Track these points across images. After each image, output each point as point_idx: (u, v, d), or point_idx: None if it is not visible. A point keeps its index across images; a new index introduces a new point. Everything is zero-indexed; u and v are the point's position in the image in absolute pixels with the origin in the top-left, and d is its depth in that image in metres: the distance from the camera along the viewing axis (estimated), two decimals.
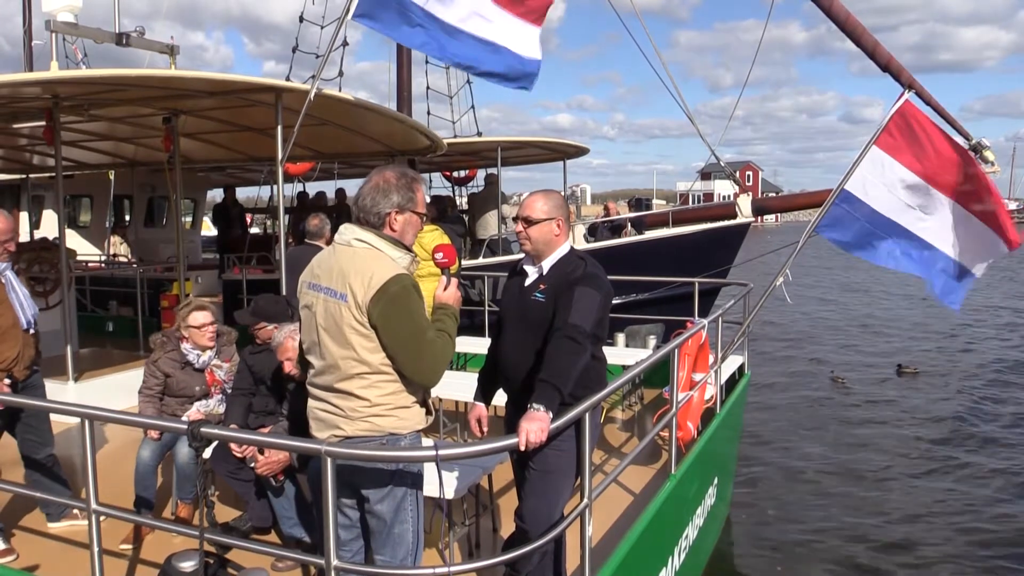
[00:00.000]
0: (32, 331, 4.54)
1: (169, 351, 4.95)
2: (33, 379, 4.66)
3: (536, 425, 2.93)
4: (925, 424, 11.60)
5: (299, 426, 3.62)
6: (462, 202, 15.87)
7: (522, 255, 3.68)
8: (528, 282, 3.53)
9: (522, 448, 2.92)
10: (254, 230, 18.60)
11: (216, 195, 17.43)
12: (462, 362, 8.52)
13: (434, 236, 6.53)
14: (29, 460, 4.69)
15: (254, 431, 4.33)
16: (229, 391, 4.96)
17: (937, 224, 5.70)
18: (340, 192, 15.09)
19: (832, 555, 7.30)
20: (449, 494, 4.04)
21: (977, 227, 5.68)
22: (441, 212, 10.72)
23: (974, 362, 16.02)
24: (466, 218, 13.85)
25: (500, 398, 3.79)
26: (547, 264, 3.50)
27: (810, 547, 7.46)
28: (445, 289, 3.12)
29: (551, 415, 3.00)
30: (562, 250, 3.51)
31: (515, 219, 3.57)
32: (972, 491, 8.88)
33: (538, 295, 3.43)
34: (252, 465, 4.30)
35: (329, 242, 7.22)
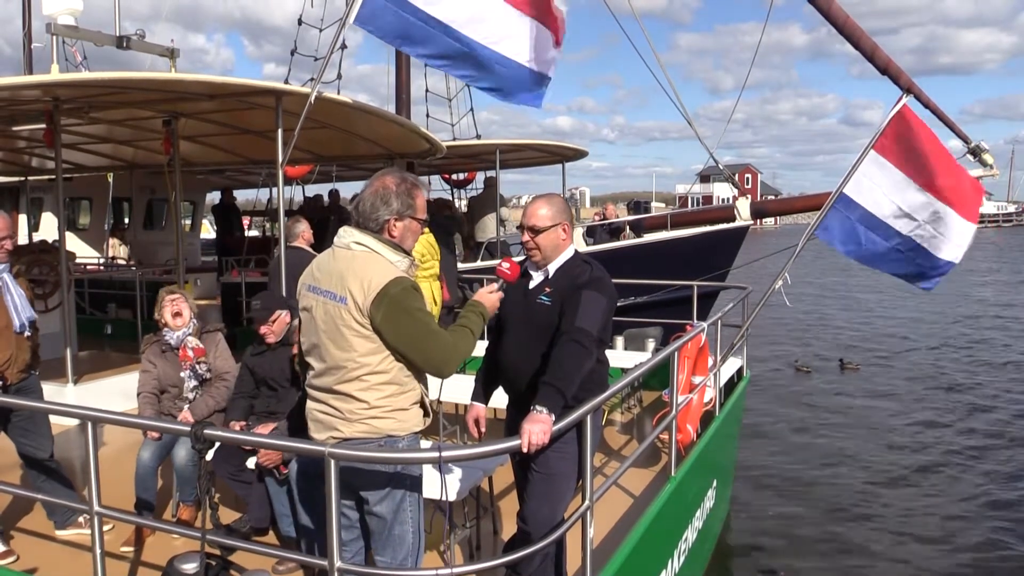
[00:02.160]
0: (27, 334, 4.52)
1: (154, 342, 5.04)
2: (29, 383, 4.63)
3: (539, 427, 2.94)
4: (926, 422, 11.64)
5: (300, 426, 3.63)
6: (461, 204, 15.87)
7: (522, 258, 3.68)
8: (533, 285, 3.53)
9: (524, 450, 2.93)
10: (253, 233, 18.60)
11: (214, 197, 17.44)
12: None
13: (421, 240, 6.51)
14: (30, 462, 4.68)
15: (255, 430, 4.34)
16: (201, 372, 4.97)
17: (931, 228, 5.70)
18: (334, 193, 15.00)
19: (832, 556, 7.31)
20: (450, 496, 4.05)
21: (968, 228, 5.69)
22: (433, 216, 10.63)
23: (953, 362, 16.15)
24: (465, 220, 13.85)
25: (498, 400, 3.79)
26: (553, 267, 3.50)
27: (810, 548, 7.48)
28: (491, 292, 3.22)
29: (554, 418, 3.01)
30: (567, 253, 3.52)
31: (519, 228, 3.56)
32: (973, 489, 8.91)
33: (544, 298, 3.44)
34: (253, 465, 4.32)
35: (311, 243, 7.25)
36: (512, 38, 5.67)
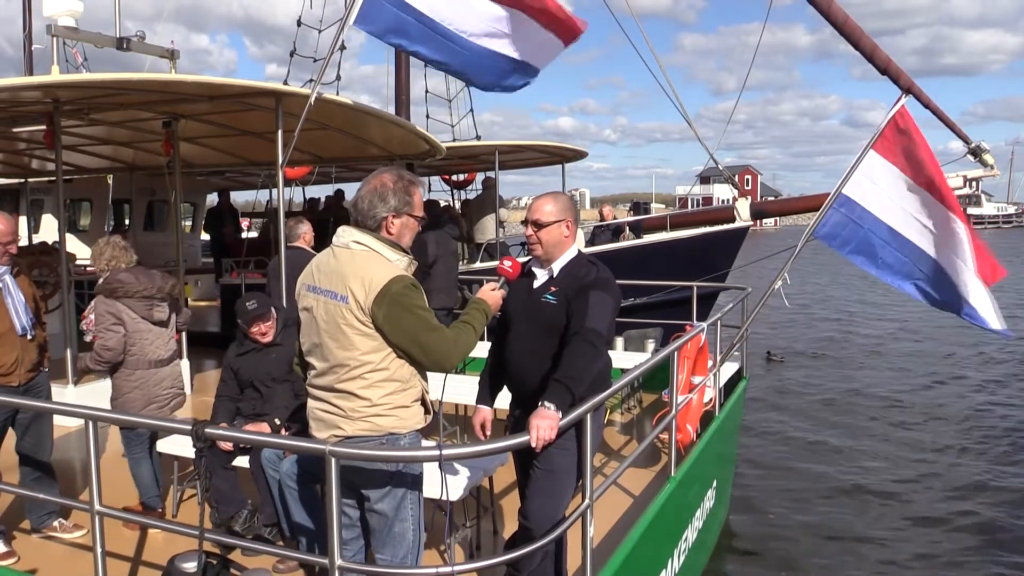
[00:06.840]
0: (30, 337, 4.53)
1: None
2: (37, 381, 4.65)
3: (547, 423, 2.94)
4: (927, 423, 11.64)
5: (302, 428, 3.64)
6: (459, 206, 15.86)
7: (526, 258, 3.69)
8: (537, 284, 3.54)
9: (533, 444, 2.92)
10: (252, 234, 18.59)
11: (214, 199, 17.43)
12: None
13: None
14: (25, 459, 4.69)
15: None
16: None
17: (935, 232, 5.58)
18: (339, 193, 15.02)
19: (832, 556, 7.31)
20: (451, 496, 4.05)
21: (966, 240, 5.50)
22: (434, 218, 10.55)
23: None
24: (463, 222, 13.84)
25: (499, 400, 3.79)
26: (557, 266, 3.51)
27: (810, 548, 7.47)
28: (493, 290, 3.23)
29: (560, 415, 3.02)
30: (571, 252, 3.53)
31: (524, 223, 3.57)
32: (975, 490, 8.91)
33: (549, 297, 3.44)
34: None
35: (310, 243, 7.25)
36: (495, 32, 5.71)
